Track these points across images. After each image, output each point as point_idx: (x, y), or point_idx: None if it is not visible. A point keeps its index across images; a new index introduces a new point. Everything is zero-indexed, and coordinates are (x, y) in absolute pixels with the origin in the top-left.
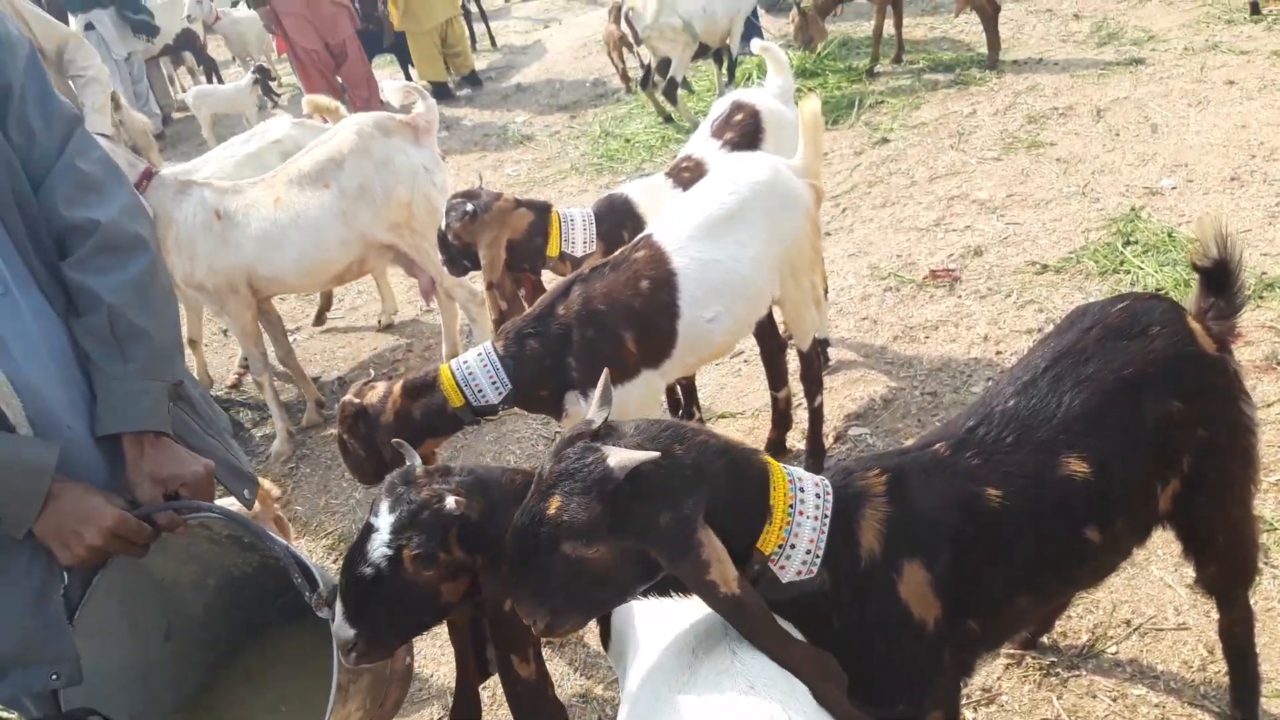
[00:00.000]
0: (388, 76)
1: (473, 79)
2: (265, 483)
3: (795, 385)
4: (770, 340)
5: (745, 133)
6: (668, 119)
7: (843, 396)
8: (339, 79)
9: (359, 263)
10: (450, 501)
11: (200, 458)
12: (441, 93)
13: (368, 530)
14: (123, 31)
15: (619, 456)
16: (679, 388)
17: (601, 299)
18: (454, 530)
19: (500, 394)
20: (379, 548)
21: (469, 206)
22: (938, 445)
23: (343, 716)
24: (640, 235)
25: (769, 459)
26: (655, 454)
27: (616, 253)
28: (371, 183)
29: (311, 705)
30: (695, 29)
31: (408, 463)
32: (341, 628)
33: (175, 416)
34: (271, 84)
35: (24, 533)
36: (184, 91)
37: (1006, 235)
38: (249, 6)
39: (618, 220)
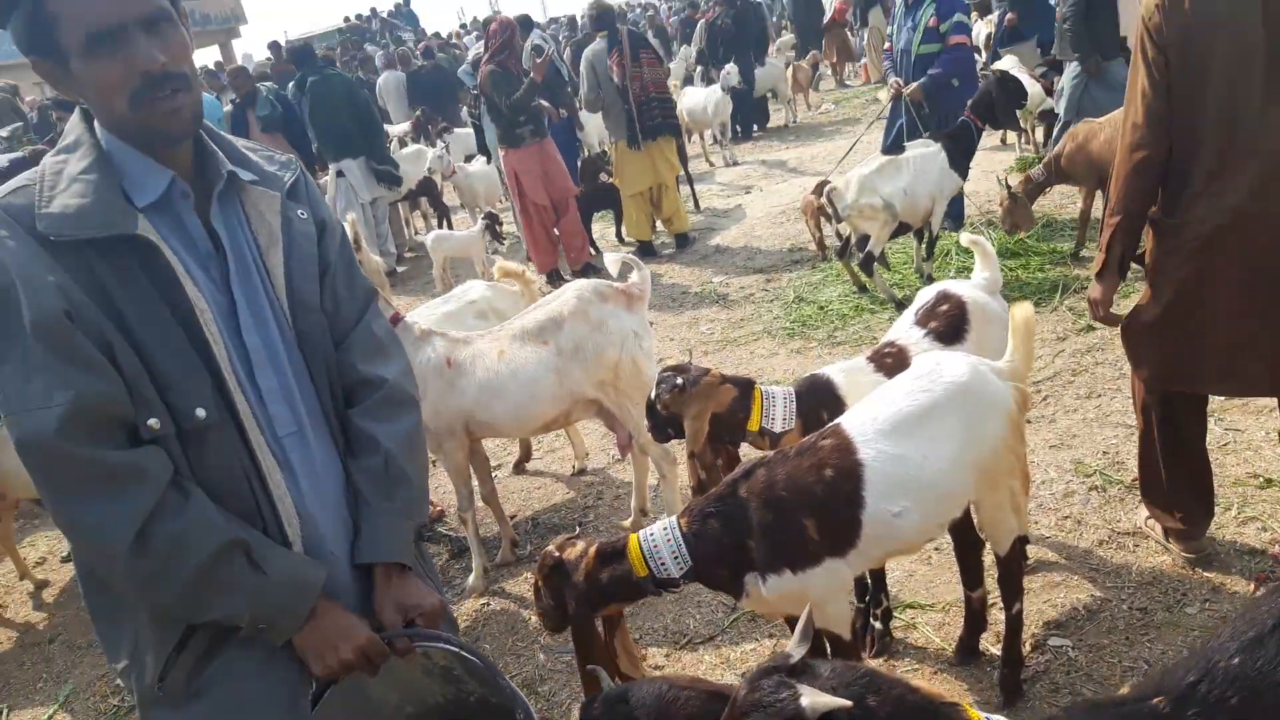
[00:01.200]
0: (599, 232)
1: (683, 239)
2: None
3: (991, 584)
4: (965, 536)
5: (950, 324)
6: (862, 289)
7: (1042, 600)
8: (556, 231)
9: (566, 414)
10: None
11: (434, 591)
12: (646, 250)
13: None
14: (369, 179)
15: (813, 698)
16: (867, 572)
17: (784, 484)
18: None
19: (681, 569)
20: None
21: (679, 380)
22: (1156, 700)
23: None
24: (830, 424)
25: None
26: (847, 703)
27: (805, 439)
28: (586, 343)
29: None
30: (895, 209)
31: (602, 685)
32: None
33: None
34: (499, 229)
35: (284, 640)
36: (417, 233)
37: (1225, 441)
38: (488, 161)
39: (818, 401)
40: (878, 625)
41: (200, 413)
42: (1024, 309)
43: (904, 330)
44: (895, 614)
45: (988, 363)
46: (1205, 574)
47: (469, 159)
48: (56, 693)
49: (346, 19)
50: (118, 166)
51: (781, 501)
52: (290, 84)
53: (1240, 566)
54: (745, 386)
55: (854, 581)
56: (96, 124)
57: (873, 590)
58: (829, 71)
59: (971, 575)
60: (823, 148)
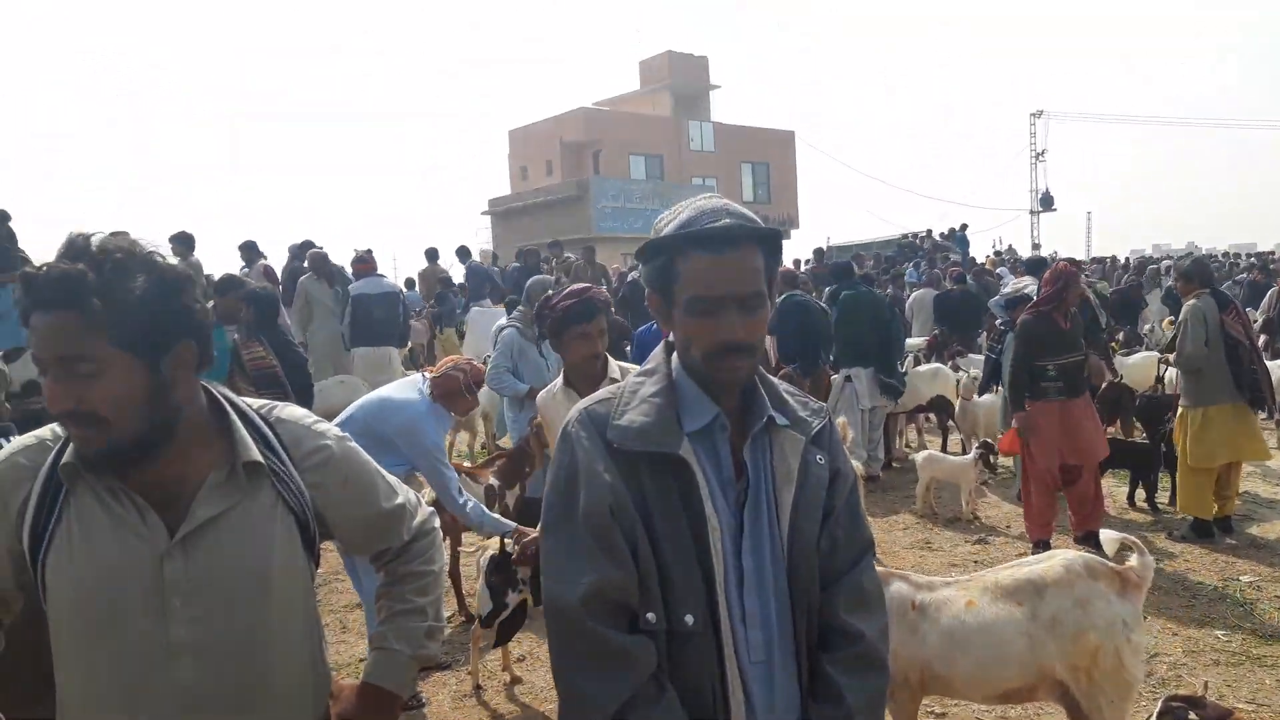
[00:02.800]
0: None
1: (1225, 524)
2: None
3: None
4: None
5: None
6: None
7: None
8: (1061, 493)
9: (1030, 690)
10: None
11: None
12: (1202, 530)
13: None
14: (874, 389)
15: None
16: None
17: None
18: None
19: None
20: None
21: (1192, 716)
22: None
23: None
24: None
25: None
26: None
27: None
28: (1066, 617)
29: None
30: None
31: None
32: None
33: None
34: (994, 460)
35: None
36: (908, 446)
37: None
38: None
39: None
40: None
41: (689, 619)
42: None
43: None
44: None
45: None
46: None
47: (981, 392)
48: None
49: (904, 235)
50: (680, 395)
51: None
52: (827, 289)
53: None
54: None
55: None
56: (674, 356)
57: None
58: None
59: None
60: None
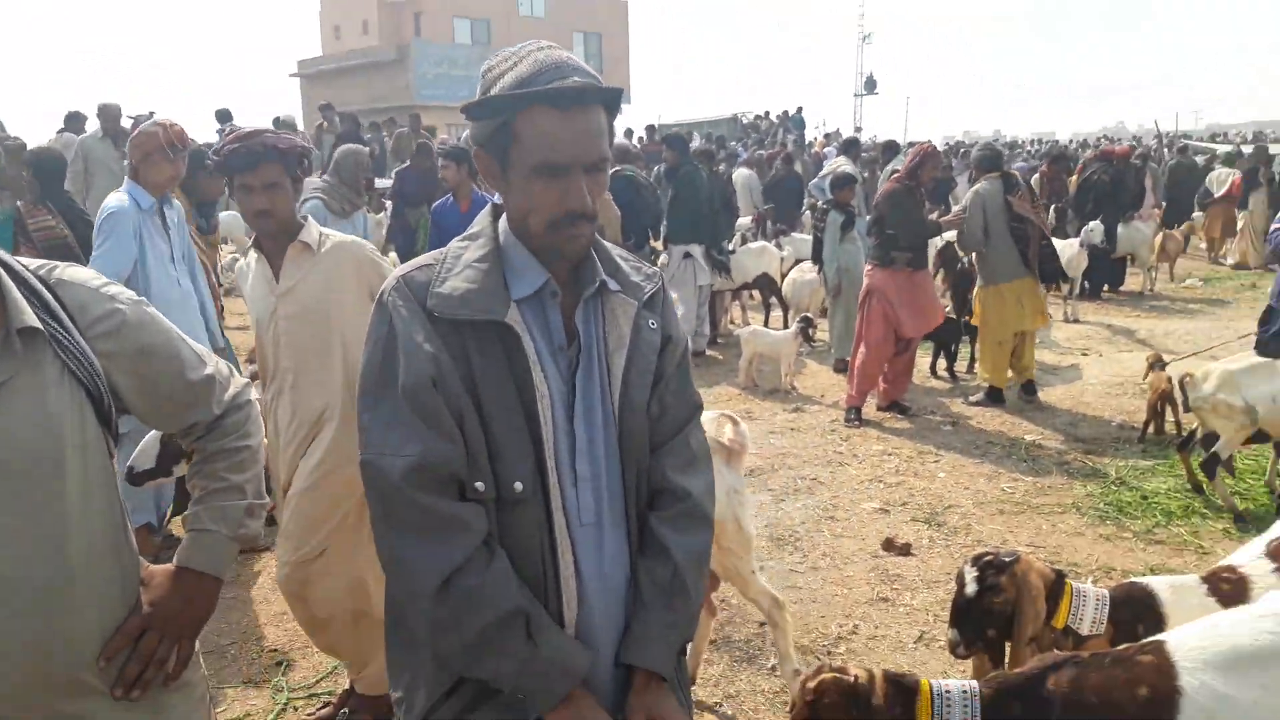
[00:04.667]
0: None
1: (1029, 387)
2: None
3: None
4: None
5: None
6: (1198, 489)
7: None
8: (885, 367)
9: None
10: None
11: (684, 714)
12: (995, 397)
13: None
14: (708, 265)
15: None
16: None
17: (1094, 691)
18: None
19: None
20: None
21: (1007, 560)
22: None
23: None
24: (1153, 639)
25: None
26: None
27: (1121, 648)
28: None
29: None
30: (1256, 414)
31: None
32: None
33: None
34: (812, 333)
35: (536, 716)
36: (733, 324)
37: None
38: (818, 272)
39: (1135, 613)
40: None
41: (518, 486)
42: None
43: (1249, 557)
44: None
45: None
46: None
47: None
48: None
49: (734, 116)
50: (507, 260)
51: (1090, 709)
52: (658, 168)
53: None
54: (1056, 579)
55: None
56: (502, 220)
57: None
58: (1203, 245)
59: None
60: (1180, 324)
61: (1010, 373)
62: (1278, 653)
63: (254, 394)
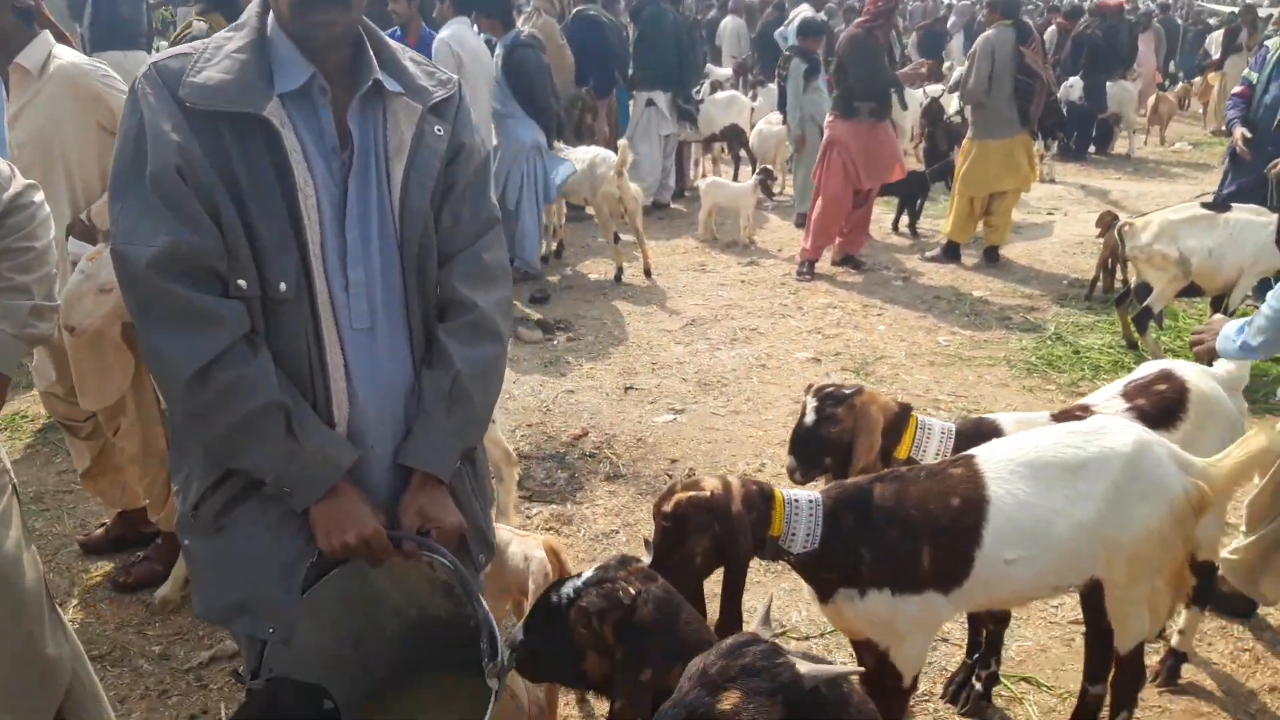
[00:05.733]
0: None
1: (991, 253)
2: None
3: None
4: (1097, 623)
5: (1162, 406)
6: (1132, 345)
7: None
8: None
9: None
10: (627, 592)
11: (460, 516)
12: (951, 253)
13: (580, 576)
14: (673, 114)
15: (811, 667)
16: (984, 631)
17: (914, 503)
18: (617, 615)
19: (804, 546)
20: (569, 587)
21: (848, 392)
22: None
23: None
24: (966, 453)
25: None
26: (852, 669)
27: (938, 461)
28: None
29: None
30: (1190, 266)
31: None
32: (518, 632)
33: (457, 472)
34: (772, 184)
35: (303, 508)
36: (704, 176)
37: None
38: (784, 120)
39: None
40: (978, 686)
41: (282, 286)
42: (1266, 438)
43: (1105, 398)
44: (1008, 685)
45: (1174, 449)
46: None
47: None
48: None
49: None
50: (273, 52)
51: (908, 520)
52: (621, 3)
53: None
54: (900, 412)
55: (968, 639)
56: (272, 13)
57: (985, 651)
58: (1201, 109)
59: (1094, 667)
60: (1157, 187)
61: (983, 231)
62: (1080, 465)
63: (38, 196)
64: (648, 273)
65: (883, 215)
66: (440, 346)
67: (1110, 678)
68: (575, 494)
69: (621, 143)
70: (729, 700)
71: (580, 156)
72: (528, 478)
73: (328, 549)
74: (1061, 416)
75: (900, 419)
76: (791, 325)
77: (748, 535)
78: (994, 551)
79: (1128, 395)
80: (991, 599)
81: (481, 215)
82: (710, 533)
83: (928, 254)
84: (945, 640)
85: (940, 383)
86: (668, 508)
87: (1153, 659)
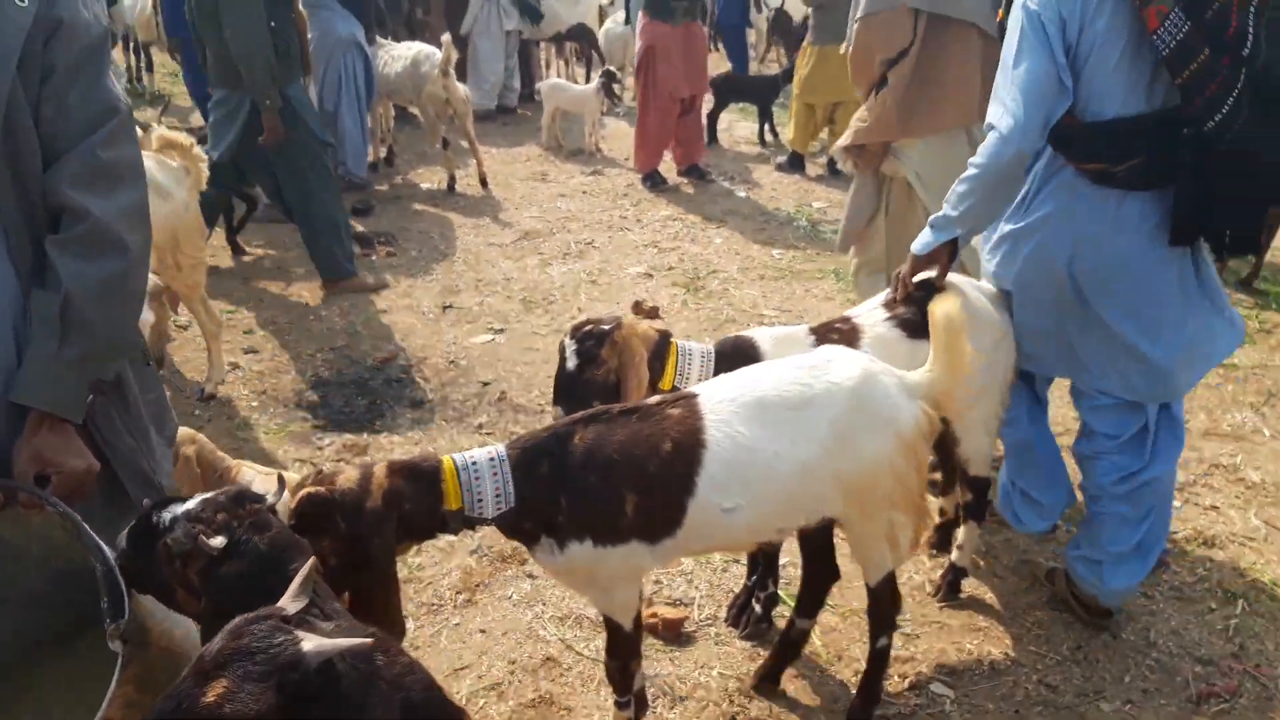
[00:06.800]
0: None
1: (834, 164)
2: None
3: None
4: (817, 562)
5: (924, 315)
6: None
7: (949, 641)
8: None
9: None
10: (215, 540)
11: (89, 458)
12: (795, 163)
13: (186, 500)
14: (512, 10)
15: (318, 643)
16: (760, 551)
17: (617, 448)
18: (200, 561)
19: (499, 509)
20: (169, 512)
21: (607, 328)
22: None
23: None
24: (690, 389)
25: None
26: (363, 641)
27: (655, 399)
28: None
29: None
30: None
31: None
32: (121, 539)
33: (98, 408)
34: (616, 88)
35: None
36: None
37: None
38: (628, 23)
39: (738, 367)
40: (757, 609)
41: None
42: (948, 304)
43: (867, 309)
44: (789, 605)
45: (897, 373)
46: (1145, 674)
47: (627, 19)
48: None
49: None
50: None
51: (609, 466)
52: None
53: (1191, 672)
54: (661, 339)
55: (746, 557)
56: None
57: (761, 573)
58: None
59: (808, 600)
60: None
61: (827, 140)
62: (804, 403)
63: None
64: (483, 182)
65: (736, 123)
66: (49, 263)
67: (867, 607)
68: (374, 422)
69: (445, 38)
70: (214, 691)
71: (402, 54)
72: (323, 405)
73: None
74: (820, 329)
75: (661, 347)
76: (629, 239)
77: (388, 535)
78: (710, 500)
79: (889, 306)
80: (710, 547)
81: (96, 104)
82: (337, 534)
83: (777, 161)
84: (737, 562)
85: (768, 296)
86: (293, 504)
87: (936, 575)
